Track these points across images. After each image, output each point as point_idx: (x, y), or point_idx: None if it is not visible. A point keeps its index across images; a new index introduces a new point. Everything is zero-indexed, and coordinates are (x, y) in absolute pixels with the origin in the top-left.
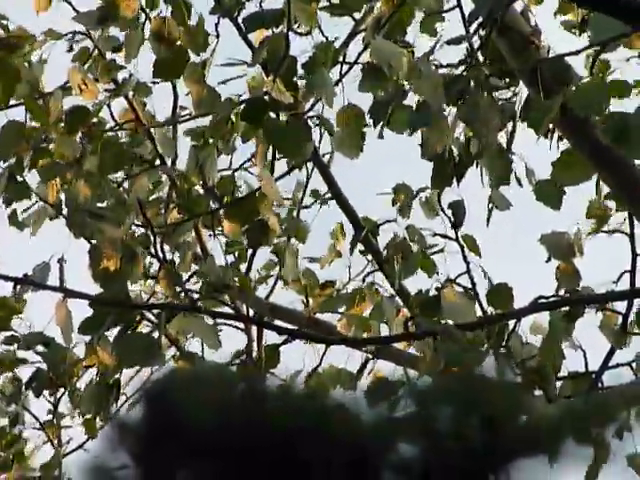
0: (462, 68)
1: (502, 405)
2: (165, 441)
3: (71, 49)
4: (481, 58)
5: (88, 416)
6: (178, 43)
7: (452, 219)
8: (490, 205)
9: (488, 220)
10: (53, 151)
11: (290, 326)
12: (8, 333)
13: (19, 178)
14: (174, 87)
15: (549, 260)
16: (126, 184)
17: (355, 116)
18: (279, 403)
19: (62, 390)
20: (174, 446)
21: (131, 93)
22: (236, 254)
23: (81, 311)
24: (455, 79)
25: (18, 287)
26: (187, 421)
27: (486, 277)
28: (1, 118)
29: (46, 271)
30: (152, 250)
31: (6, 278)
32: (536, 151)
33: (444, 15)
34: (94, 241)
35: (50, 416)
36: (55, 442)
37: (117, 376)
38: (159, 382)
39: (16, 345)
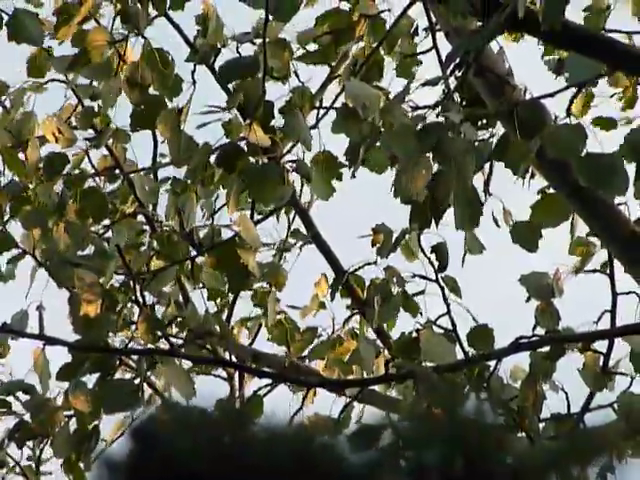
0: (438, 110)
1: (484, 445)
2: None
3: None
4: (458, 99)
5: (65, 461)
6: (151, 90)
7: (436, 262)
8: (465, 247)
9: (463, 261)
10: (33, 199)
11: (272, 371)
12: None
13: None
14: (154, 134)
15: (529, 300)
16: (107, 232)
17: (327, 160)
18: (266, 446)
19: (45, 440)
20: None
21: (110, 141)
22: (217, 302)
23: (61, 358)
24: (428, 129)
25: None
26: (175, 461)
27: (470, 315)
28: None
29: (25, 319)
30: (132, 296)
31: None
32: (513, 190)
33: (420, 58)
34: (74, 289)
35: (30, 462)
36: None
37: (96, 422)
38: (146, 422)
39: None
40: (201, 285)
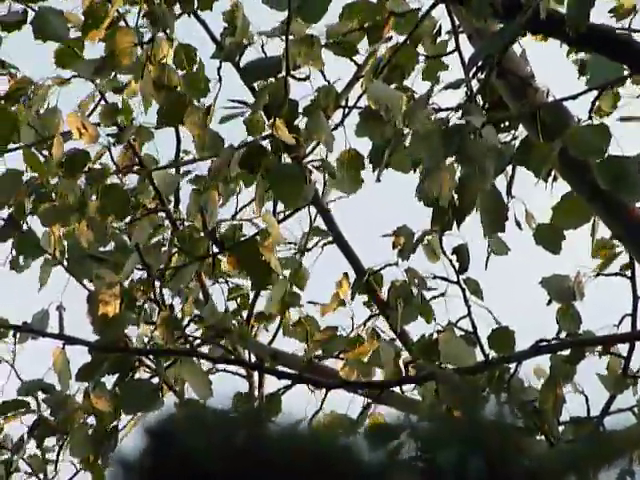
0: (460, 113)
1: (504, 448)
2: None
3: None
4: (480, 102)
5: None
6: (178, 89)
7: (457, 264)
8: (489, 249)
9: (486, 264)
10: (54, 197)
11: (291, 371)
12: None
13: (24, 226)
14: (177, 131)
15: (550, 303)
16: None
17: (354, 159)
18: (282, 445)
19: (64, 437)
20: None
21: (133, 137)
22: (238, 300)
23: (80, 357)
24: (451, 132)
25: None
26: (191, 461)
27: (492, 317)
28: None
29: (45, 319)
30: (152, 295)
31: (6, 326)
32: (534, 192)
33: (445, 62)
34: (93, 288)
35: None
36: None
37: (115, 423)
38: (161, 421)
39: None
40: (222, 281)
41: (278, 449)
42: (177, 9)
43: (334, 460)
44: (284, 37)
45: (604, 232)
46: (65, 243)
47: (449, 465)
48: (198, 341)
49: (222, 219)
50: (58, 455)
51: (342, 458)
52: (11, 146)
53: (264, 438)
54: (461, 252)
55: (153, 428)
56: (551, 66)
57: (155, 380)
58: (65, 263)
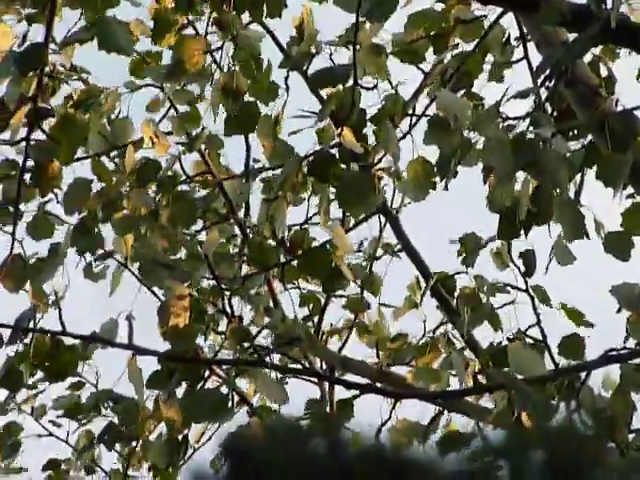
0: (528, 121)
1: (579, 457)
2: None
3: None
4: (548, 110)
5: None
6: (246, 96)
7: (523, 269)
8: (551, 255)
9: (547, 269)
10: (125, 205)
11: (361, 380)
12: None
13: (95, 231)
14: (247, 140)
15: (619, 311)
16: (200, 236)
17: (424, 169)
18: (362, 456)
19: (134, 443)
20: None
21: (204, 146)
22: (309, 307)
23: (148, 365)
24: (524, 142)
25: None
26: (268, 476)
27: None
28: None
29: (114, 328)
30: (220, 306)
31: (76, 336)
32: (598, 200)
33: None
34: (163, 297)
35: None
36: None
37: (185, 432)
38: (237, 436)
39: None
40: (291, 286)
41: (358, 460)
42: (245, 17)
43: (415, 471)
44: (351, 46)
45: None
46: (136, 250)
47: (525, 474)
48: (268, 348)
49: (292, 224)
50: (128, 462)
51: (423, 469)
52: (80, 155)
53: (342, 449)
54: (528, 258)
55: (230, 444)
56: (621, 74)
57: (224, 390)
58: (136, 270)
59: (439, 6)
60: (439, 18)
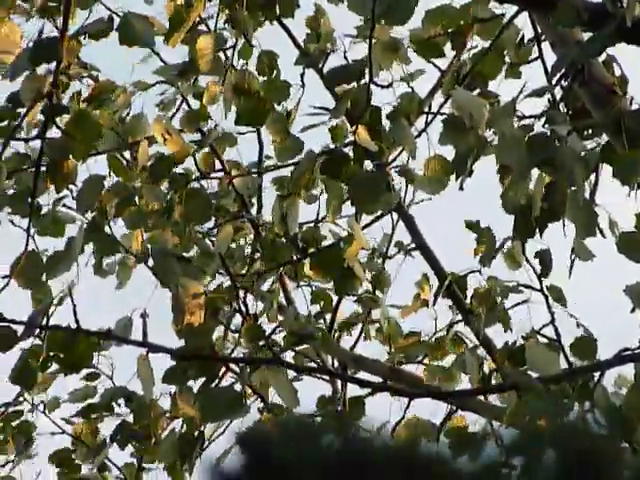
0: (544, 120)
1: (594, 456)
2: None
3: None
4: (563, 109)
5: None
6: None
7: (538, 268)
8: (573, 256)
9: (570, 271)
10: (137, 201)
11: (373, 378)
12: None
13: (106, 230)
14: (259, 136)
15: (634, 311)
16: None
17: (441, 167)
18: (377, 454)
19: (147, 441)
20: None
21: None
22: (321, 304)
23: (163, 362)
24: (539, 140)
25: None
26: (288, 473)
27: (578, 324)
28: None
29: (129, 325)
30: (235, 304)
31: (90, 333)
32: (614, 199)
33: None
34: (177, 293)
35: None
36: None
37: (202, 428)
38: (254, 433)
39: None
40: (304, 283)
41: (373, 458)
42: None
43: (430, 468)
44: (367, 41)
45: None
46: (149, 246)
47: (538, 473)
48: (282, 345)
49: (304, 222)
50: (141, 460)
51: (440, 467)
52: (93, 151)
53: (355, 445)
54: (544, 257)
55: (247, 440)
56: (636, 73)
57: (238, 387)
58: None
59: (457, 2)
60: (457, 15)
